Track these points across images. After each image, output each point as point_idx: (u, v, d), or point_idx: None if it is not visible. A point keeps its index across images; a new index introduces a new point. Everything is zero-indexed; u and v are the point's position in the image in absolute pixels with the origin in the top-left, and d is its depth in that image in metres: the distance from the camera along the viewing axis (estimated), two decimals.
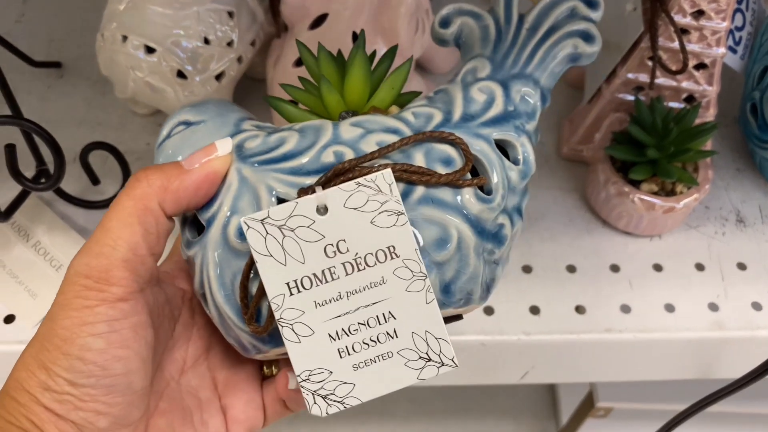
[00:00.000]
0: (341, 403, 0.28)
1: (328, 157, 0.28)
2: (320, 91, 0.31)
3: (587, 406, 0.75)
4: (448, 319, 0.31)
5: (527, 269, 0.49)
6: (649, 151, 0.46)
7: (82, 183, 0.50)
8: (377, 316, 0.27)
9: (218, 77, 0.48)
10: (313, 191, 0.27)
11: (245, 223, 0.26)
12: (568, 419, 0.81)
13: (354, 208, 0.27)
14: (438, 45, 0.34)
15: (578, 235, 0.51)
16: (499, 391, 0.91)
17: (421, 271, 0.27)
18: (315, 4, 0.48)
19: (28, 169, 0.45)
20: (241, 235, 0.27)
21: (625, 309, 0.47)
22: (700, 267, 0.49)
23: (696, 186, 0.47)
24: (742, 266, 0.50)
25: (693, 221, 0.52)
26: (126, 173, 0.49)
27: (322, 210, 0.27)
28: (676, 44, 0.46)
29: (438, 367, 0.28)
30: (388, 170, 0.27)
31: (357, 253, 0.27)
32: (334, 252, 0.27)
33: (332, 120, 0.30)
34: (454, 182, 0.28)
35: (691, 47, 0.47)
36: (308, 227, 0.27)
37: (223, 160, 0.28)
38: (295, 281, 0.27)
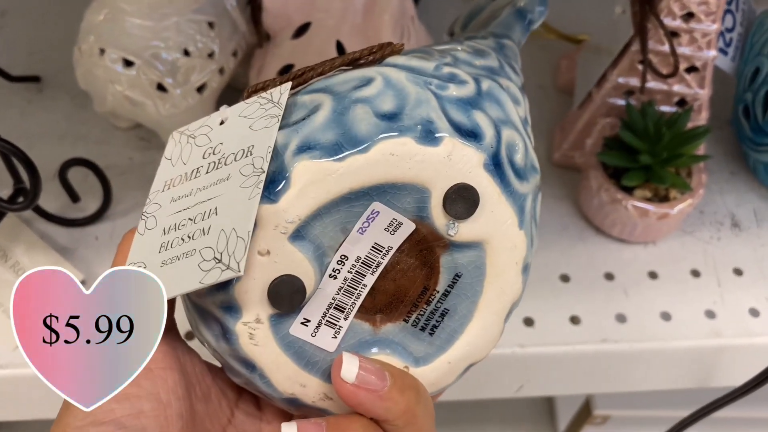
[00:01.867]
0: None
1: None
2: None
3: (585, 414, 0.74)
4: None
5: None
6: (642, 156, 0.45)
7: (63, 200, 0.49)
8: (204, 212, 0.25)
9: (200, 89, 0.47)
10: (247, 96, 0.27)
11: (173, 134, 0.27)
12: (565, 427, 0.80)
13: (244, 117, 0.26)
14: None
15: (571, 243, 0.50)
16: (496, 399, 0.90)
17: (261, 168, 0.24)
18: (297, 12, 0.47)
19: (6, 186, 0.44)
20: None
21: (621, 318, 0.46)
22: (695, 273, 0.48)
23: (690, 191, 0.46)
24: (738, 272, 0.49)
25: (688, 226, 0.51)
26: (107, 190, 0.47)
27: (224, 121, 0.27)
28: (666, 47, 0.45)
29: (222, 271, 0.23)
30: (287, 84, 0.26)
31: (223, 154, 0.26)
32: (210, 154, 0.26)
33: None
34: (357, 60, 0.27)
35: (681, 50, 0.46)
36: (205, 135, 0.27)
37: None
38: (171, 179, 0.27)
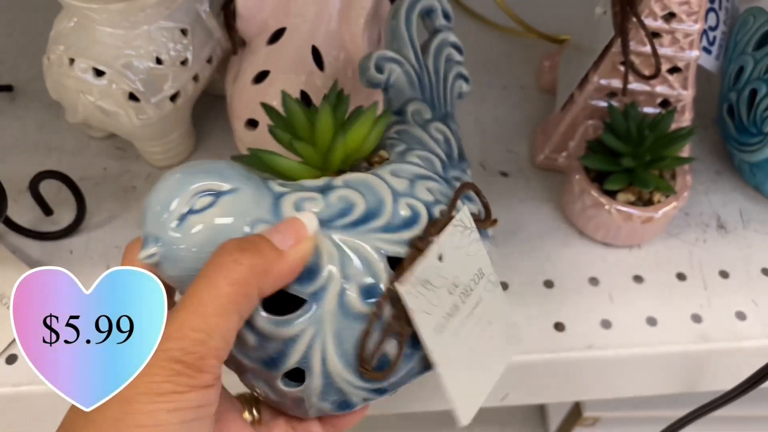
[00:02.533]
0: None
1: (405, 210, 0.31)
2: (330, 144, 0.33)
3: (575, 415, 0.74)
4: None
5: (503, 286, 0.47)
6: (625, 160, 0.44)
7: (36, 213, 0.48)
8: (483, 322, 0.34)
9: (173, 98, 0.46)
10: (428, 242, 0.31)
11: (406, 290, 0.29)
12: (556, 428, 0.79)
13: (457, 248, 0.32)
14: (368, 88, 0.39)
15: (555, 247, 0.49)
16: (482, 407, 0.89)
17: (496, 280, 0.35)
18: (272, 18, 0.46)
19: None
20: (366, 299, 0.29)
21: (606, 324, 0.45)
22: (681, 277, 0.48)
23: (674, 194, 0.46)
24: (724, 274, 0.48)
25: (673, 228, 0.50)
26: (81, 203, 0.46)
27: (441, 257, 0.31)
28: (647, 48, 0.45)
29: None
30: (465, 209, 0.33)
31: (464, 284, 0.32)
32: (454, 288, 0.32)
33: (328, 172, 0.33)
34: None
35: (663, 51, 0.45)
36: (437, 275, 0.31)
37: (314, 236, 0.28)
38: (438, 324, 0.31)
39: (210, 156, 0.53)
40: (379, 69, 0.38)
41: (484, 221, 0.35)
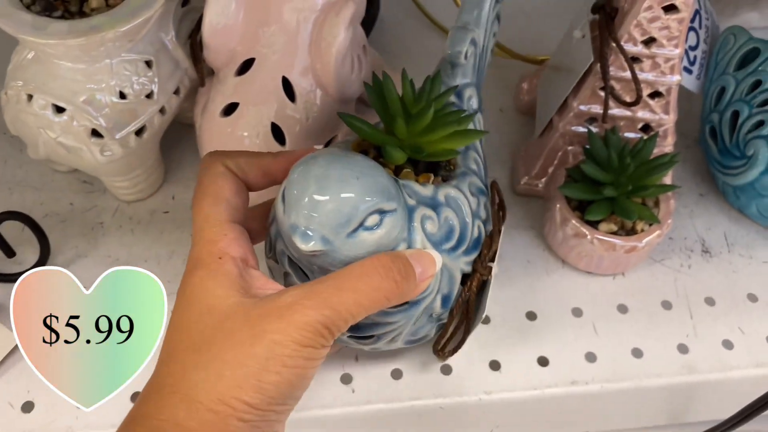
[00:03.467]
0: None
1: (476, 232, 0.38)
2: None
3: None
4: None
5: (485, 319, 0.45)
6: (606, 189, 0.43)
7: None
8: None
9: (139, 132, 0.44)
10: (485, 270, 0.39)
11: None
12: None
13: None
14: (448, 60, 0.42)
15: (537, 277, 0.48)
16: None
17: None
18: (240, 47, 0.44)
19: None
20: (443, 306, 0.37)
21: (591, 357, 0.44)
22: (666, 305, 0.47)
23: (658, 224, 0.45)
24: (710, 301, 0.47)
25: (657, 254, 0.49)
26: (44, 243, 0.44)
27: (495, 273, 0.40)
28: (628, 73, 0.43)
29: None
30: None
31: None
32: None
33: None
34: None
35: (644, 76, 0.44)
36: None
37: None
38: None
39: (180, 188, 0.51)
40: (464, 55, 0.41)
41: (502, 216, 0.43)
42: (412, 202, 0.34)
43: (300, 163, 0.32)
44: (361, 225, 0.31)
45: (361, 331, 0.36)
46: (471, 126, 0.41)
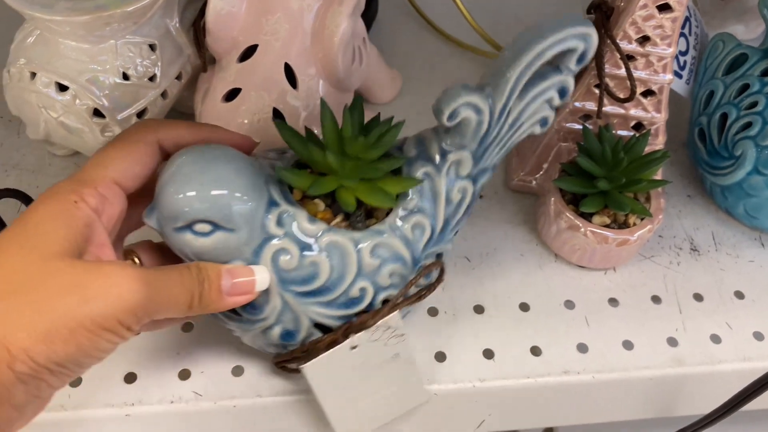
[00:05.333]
0: None
1: (355, 293, 0.35)
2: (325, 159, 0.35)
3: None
4: None
5: (479, 309, 0.46)
6: (600, 182, 0.44)
7: None
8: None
9: (140, 115, 0.45)
10: (344, 336, 0.36)
11: (310, 368, 0.36)
12: None
13: (375, 340, 0.37)
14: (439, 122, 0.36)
15: (530, 270, 0.48)
16: None
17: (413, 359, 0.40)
18: (243, 35, 0.45)
19: None
20: (284, 339, 0.37)
21: (582, 348, 0.44)
22: (656, 300, 0.47)
23: (649, 217, 0.45)
24: (698, 297, 0.48)
25: (647, 251, 0.50)
26: None
27: (354, 347, 0.37)
28: (622, 71, 0.45)
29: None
30: (396, 314, 0.37)
31: (373, 364, 0.38)
32: (362, 368, 0.38)
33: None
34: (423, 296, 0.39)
35: (637, 74, 0.45)
36: (347, 360, 0.37)
37: (257, 293, 0.34)
38: (341, 396, 0.39)
39: None
40: (453, 116, 0.34)
41: (429, 288, 0.39)
42: (278, 231, 0.34)
43: (185, 149, 0.33)
44: (189, 226, 0.32)
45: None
46: (441, 192, 0.37)
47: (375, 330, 0.36)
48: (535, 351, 0.44)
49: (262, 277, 0.33)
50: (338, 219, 0.36)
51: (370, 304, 0.36)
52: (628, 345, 0.45)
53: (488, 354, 0.44)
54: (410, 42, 0.64)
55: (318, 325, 0.36)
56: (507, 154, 0.39)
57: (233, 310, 0.35)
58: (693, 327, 0.46)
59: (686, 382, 0.45)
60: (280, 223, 0.34)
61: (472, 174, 0.38)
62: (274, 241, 0.34)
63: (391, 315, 0.37)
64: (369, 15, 0.60)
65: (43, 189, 0.49)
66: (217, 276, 0.32)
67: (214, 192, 0.31)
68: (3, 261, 0.29)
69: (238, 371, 0.42)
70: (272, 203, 0.34)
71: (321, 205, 0.36)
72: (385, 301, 0.37)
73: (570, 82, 0.37)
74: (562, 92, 0.37)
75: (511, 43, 0.35)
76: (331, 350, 0.36)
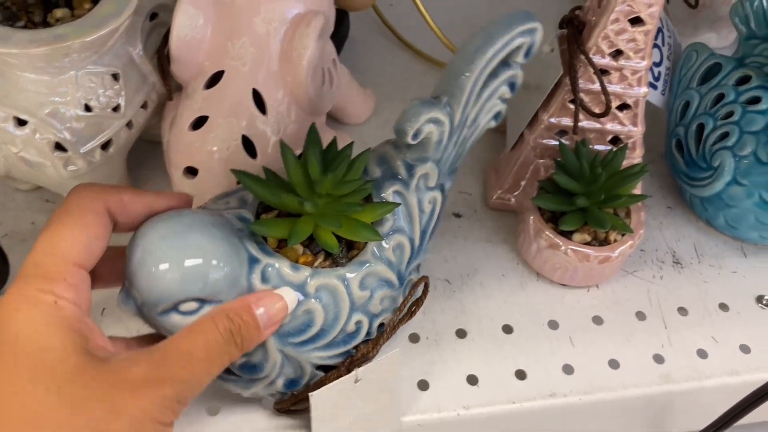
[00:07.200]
0: None
1: (351, 327, 0.35)
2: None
3: None
4: None
5: (461, 333, 0.45)
6: (579, 199, 0.43)
7: None
8: None
9: (105, 146, 0.43)
10: (348, 370, 0.36)
11: (316, 397, 0.35)
12: None
13: (375, 371, 0.37)
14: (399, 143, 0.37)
15: (512, 290, 0.47)
16: None
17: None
18: (209, 60, 0.43)
19: None
20: (287, 387, 0.36)
21: (568, 369, 0.44)
22: (641, 316, 0.47)
23: (630, 233, 0.45)
24: (683, 311, 0.47)
25: (629, 266, 0.49)
26: (3, 263, 0.43)
27: (358, 380, 0.36)
28: (597, 86, 0.44)
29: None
30: (398, 351, 0.37)
31: (372, 393, 0.37)
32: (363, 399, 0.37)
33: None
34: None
35: (612, 88, 0.44)
36: (350, 392, 0.36)
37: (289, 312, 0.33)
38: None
39: None
40: (417, 135, 0.34)
41: (417, 302, 0.39)
42: (265, 288, 0.33)
43: (146, 224, 0.31)
44: (173, 308, 0.30)
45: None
46: (415, 206, 0.38)
47: (375, 361, 0.37)
48: (520, 375, 0.43)
49: (290, 298, 0.33)
50: (320, 259, 0.35)
51: (368, 333, 0.36)
52: (614, 364, 0.44)
53: (472, 380, 0.42)
54: (383, 60, 0.63)
55: (320, 367, 0.36)
56: (470, 150, 0.41)
57: (231, 371, 0.34)
58: (679, 342, 0.45)
59: (674, 398, 0.44)
60: (264, 279, 0.32)
61: (438, 183, 0.39)
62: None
63: (395, 352, 0.37)
64: (340, 35, 0.60)
65: (7, 225, 0.48)
66: (248, 322, 0.31)
67: (193, 267, 0.29)
68: (21, 402, 0.26)
69: (213, 410, 0.40)
70: (253, 260, 0.32)
71: (300, 248, 0.35)
72: (380, 325, 0.37)
73: (519, 74, 0.38)
74: (512, 86, 0.39)
75: (461, 49, 0.36)
76: (337, 381, 0.35)
